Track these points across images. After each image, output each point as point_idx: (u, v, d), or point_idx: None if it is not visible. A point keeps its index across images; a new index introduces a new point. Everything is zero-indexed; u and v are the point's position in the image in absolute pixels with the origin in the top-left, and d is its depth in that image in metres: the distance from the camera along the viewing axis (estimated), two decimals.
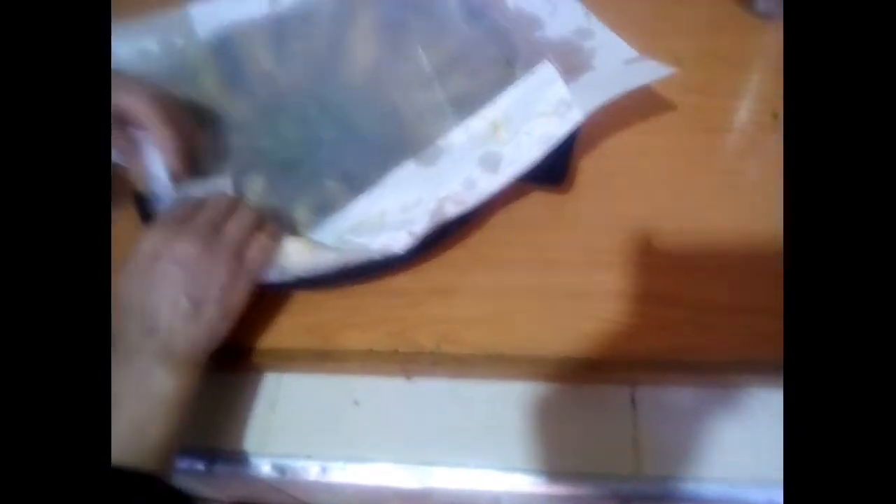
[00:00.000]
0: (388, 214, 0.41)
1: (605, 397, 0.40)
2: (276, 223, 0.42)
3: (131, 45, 0.52)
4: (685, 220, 0.43)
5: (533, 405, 0.40)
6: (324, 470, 0.40)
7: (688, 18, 0.54)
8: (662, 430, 0.39)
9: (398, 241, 0.40)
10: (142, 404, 0.35)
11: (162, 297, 0.37)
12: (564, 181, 0.45)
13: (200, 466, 0.41)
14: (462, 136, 0.43)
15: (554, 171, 0.43)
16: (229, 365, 0.41)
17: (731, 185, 0.45)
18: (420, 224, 0.40)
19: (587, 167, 0.47)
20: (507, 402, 0.40)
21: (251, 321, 0.41)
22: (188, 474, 0.41)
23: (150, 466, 0.33)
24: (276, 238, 0.41)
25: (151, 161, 0.45)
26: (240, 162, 0.47)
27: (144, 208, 0.46)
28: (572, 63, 0.43)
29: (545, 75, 0.42)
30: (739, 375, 0.38)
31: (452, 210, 0.41)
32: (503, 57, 0.52)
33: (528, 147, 0.41)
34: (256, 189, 0.46)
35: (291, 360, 0.42)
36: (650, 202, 0.45)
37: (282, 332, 0.43)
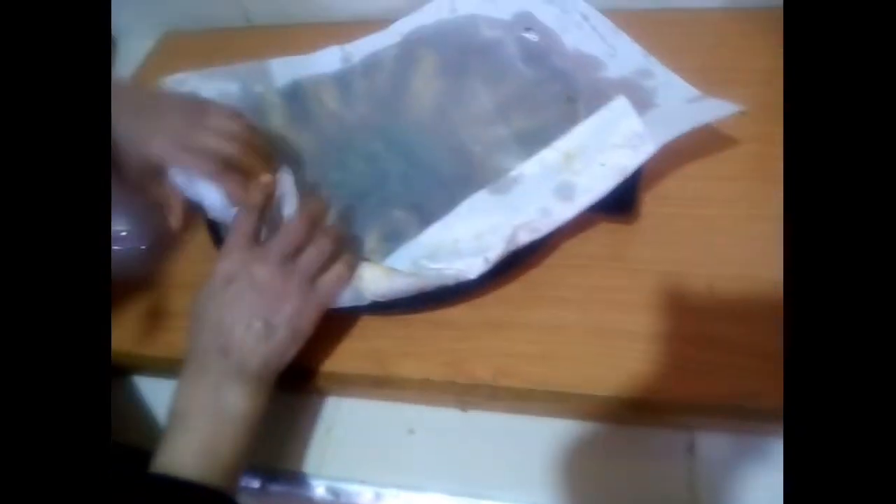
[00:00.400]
0: (461, 241, 0.43)
1: (662, 441, 0.40)
2: (351, 250, 0.44)
3: (216, 87, 0.56)
4: (745, 267, 0.43)
5: (588, 444, 0.40)
6: (377, 496, 0.40)
7: (750, 70, 0.54)
8: (720, 477, 0.38)
9: (473, 267, 0.41)
10: (214, 421, 0.36)
11: (236, 318, 0.38)
12: (632, 212, 0.46)
13: (255, 484, 0.42)
14: (535, 166, 0.45)
15: (622, 201, 0.44)
16: (288, 386, 0.42)
17: None
18: (495, 250, 0.41)
19: (648, 210, 0.47)
20: (562, 439, 0.40)
21: (311, 344, 0.42)
22: (243, 491, 0.42)
23: (221, 482, 0.34)
24: (351, 267, 0.42)
25: (205, 193, 0.45)
26: (310, 194, 0.49)
27: (216, 233, 0.48)
28: (635, 100, 0.44)
29: (618, 108, 0.43)
30: None
31: (525, 237, 0.42)
32: (565, 94, 0.53)
33: (602, 177, 0.42)
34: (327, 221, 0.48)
35: (349, 384, 0.43)
36: (710, 248, 0.45)
37: (340, 356, 0.44)
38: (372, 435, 0.42)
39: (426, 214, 0.46)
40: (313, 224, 0.42)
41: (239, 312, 0.38)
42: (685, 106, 0.48)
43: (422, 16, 0.62)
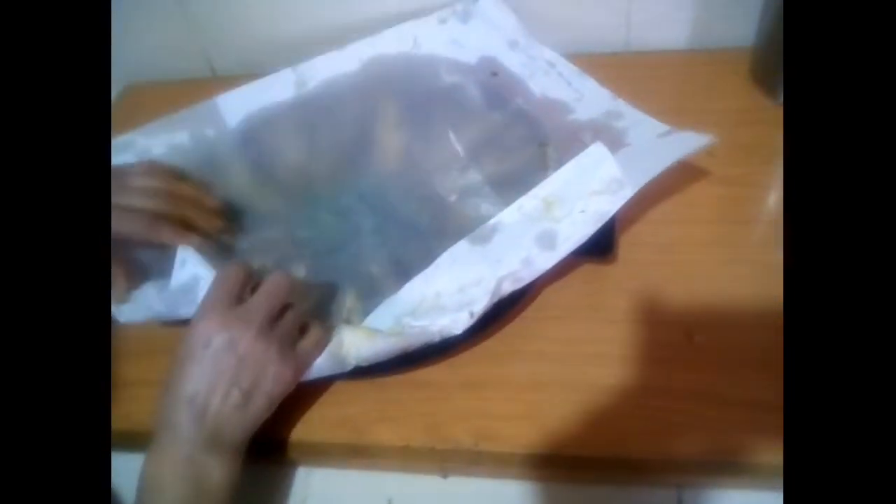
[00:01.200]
0: (444, 296, 0.41)
1: (649, 500, 0.38)
2: (328, 311, 0.42)
3: (164, 141, 0.54)
4: (726, 314, 0.43)
5: None
6: None
7: (717, 111, 0.55)
8: None
9: (459, 322, 0.39)
10: (189, 492, 0.34)
11: (214, 386, 0.36)
12: (612, 254, 0.45)
13: None
14: (514, 214, 0.44)
15: (600, 244, 0.44)
16: (259, 457, 0.40)
17: (772, 277, 0.44)
18: (479, 303, 0.40)
19: (624, 256, 0.46)
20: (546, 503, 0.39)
21: (282, 413, 0.40)
22: None
23: None
24: (327, 329, 0.40)
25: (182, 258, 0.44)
26: (279, 253, 0.48)
27: None
28: (606, 141, 0.44)
29: (596, 154, 0.43)
30: None
31: (508, 287, 0.41)
32: (535, 138, 0.53)
33: (582, 223, 0.42)
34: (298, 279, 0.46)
35: (323, 454, 0.41)
36: (687, 295, 0.44)
37: (313, 424, 0.42)
38: None
39: (404, 268, 0.45)
40: (290, 288, 0.40)
41: (217, 380, 0.36)
42: (656, 141, 0.48)
43: (382, 42, 0.59)
